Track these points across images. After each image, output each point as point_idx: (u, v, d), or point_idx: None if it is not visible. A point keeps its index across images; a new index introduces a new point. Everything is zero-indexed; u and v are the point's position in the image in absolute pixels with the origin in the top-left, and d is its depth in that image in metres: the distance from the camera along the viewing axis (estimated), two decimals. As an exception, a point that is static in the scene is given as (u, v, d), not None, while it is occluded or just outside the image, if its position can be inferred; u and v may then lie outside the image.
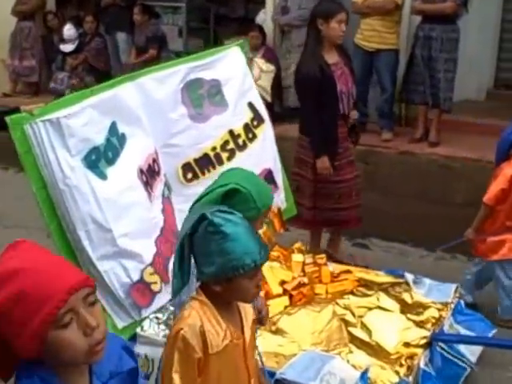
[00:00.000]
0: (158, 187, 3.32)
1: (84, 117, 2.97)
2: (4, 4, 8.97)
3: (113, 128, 3.11)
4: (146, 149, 3.28)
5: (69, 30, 8.98)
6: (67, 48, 8.92)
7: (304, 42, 4.22)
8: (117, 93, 3.18)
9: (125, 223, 3.03)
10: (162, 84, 3.42)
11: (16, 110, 3.00)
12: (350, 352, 2.97)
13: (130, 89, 3.28)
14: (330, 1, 4.19)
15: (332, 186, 4.15)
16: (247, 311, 2.12)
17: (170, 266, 3.22)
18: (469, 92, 7.06)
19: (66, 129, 2.88)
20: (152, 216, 3.20)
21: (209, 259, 1.93)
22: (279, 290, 3.30)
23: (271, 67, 7.37)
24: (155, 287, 3.11)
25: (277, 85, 7.29)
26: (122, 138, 3.16)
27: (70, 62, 8.93)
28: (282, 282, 3.36)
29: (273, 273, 3.38)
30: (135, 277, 3.05)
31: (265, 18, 8.86)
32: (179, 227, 3.40)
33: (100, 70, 9.29)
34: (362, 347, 3.00)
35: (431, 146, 6.05)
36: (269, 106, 4.75)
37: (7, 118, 2.85)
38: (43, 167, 2.89)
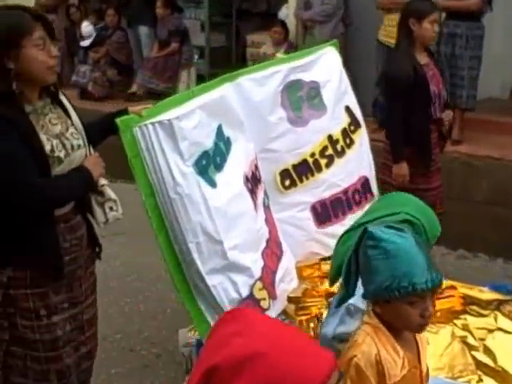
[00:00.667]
0: (260, 195, 3.11)
1: (194, 118, 2.75)
2: (27, -3, 8.79)
3: (219, 131, 2.90)
4: (248, 154, 3.08)
5: (86, 26, 8.87)
6: (85, 43, 8.80)
7: (396, 41, 4.04)
8: (222, 94, 2.98)
9: (234, 235, 2.82)
10: (261, 85, 3.21)
11: (125, 112, 2.78)
12: (480, 380, 2.78)
13: (230, 90, 3.07)
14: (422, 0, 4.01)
15: (420, 195, 3.93)
16: (422, 336, 1.94)
17: (277, 280, 3.04)
18: (492, 90, 6.95)
19: (178, 131, 2.66)
20: (258, 227, 2.99)
21: (369, 276, 1.78)
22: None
23: (293, 63, 7.29)
24: (264, 304, 2.90)
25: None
26: (227, 143, 2.95)
27: (91, 56, 8.78)
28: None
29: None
30: (244, 292, 2.83)
31: (287, 13, 8.75)
32: (281, 238, 3.23)
33: (122, 64, 9.15)
34: (489, 373, 2.82)
35: (454, 144, 5.90)
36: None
37: (117, 120, 2.63)
38: (152, 173, 2.67)
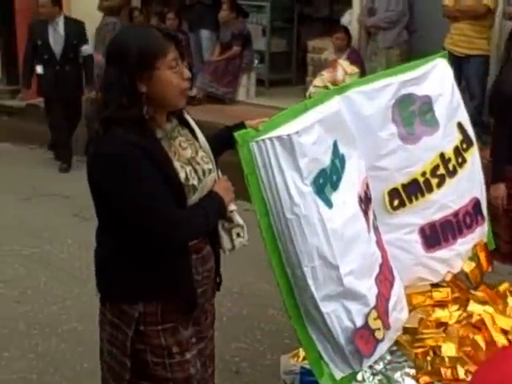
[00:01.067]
0: (371, 216, 2.92)
1: (314, 134, 2.58)
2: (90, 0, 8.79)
3: (335, 148, 2.73)
4: (361, 172, 2.90)
5: None
6: None
7: (506, 57, 3.83)
8: (336, 108, 2.80)
9: (350, 259, 2.64)
10: (370, 99, 3.02)
11: (242, 125, 2.62)
12: None
13: (341, 104, 2.89)
14: None
15: None
16: None
17: (390, 308, 2.85)
18: None
19: (297, 147, 2.49)
20: (372, 251, 2.80)
21: None
22: (503, 340, 2.89)
23: (356, 70, 7.03)
24: (379, 334, 2.71)
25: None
26: (342, 160, 2.77)
27: (152, 59, 8.71)
28: (503, 331, 2.95)
29: (491, 319, 2.97)
30: (359, 321, 2.65)
31: (350, 19, 8.59)
32: (391, 262, 3.04)
33: (182, 68, 9.02)
34: None
35: None
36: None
37: (235, 134, 2.47)
38: (267, 191, 2.51)
